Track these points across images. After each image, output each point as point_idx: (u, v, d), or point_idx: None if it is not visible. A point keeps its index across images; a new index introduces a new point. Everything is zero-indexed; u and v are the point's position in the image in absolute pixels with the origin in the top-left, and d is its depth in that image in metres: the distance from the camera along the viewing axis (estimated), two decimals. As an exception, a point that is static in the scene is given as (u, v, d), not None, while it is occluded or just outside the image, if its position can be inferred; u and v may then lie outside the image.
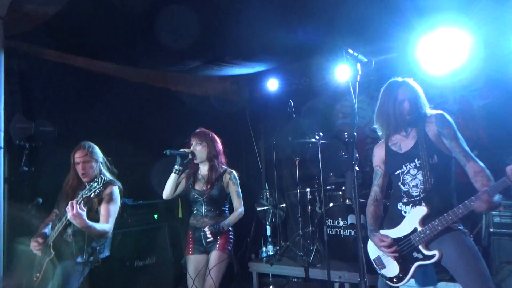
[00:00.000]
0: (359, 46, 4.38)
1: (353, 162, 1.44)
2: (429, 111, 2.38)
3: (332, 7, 3.45)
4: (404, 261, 2.30)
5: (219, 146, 3.21)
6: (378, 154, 2.53)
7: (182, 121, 4.71)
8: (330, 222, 4.28)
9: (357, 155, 1.53)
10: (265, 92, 5.85)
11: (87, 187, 2.60)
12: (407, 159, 2.33)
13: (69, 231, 2.83)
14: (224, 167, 3.20)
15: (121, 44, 3.91)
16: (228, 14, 3.49)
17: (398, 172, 2.37)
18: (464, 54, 3.76)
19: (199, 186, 3.13)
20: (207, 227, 2.95)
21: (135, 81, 4.84)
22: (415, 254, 2.26)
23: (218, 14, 3.47)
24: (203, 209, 3.08)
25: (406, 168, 2.33)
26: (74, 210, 2.51)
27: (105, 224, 2.81)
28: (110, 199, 2.85)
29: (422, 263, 2.24)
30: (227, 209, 3.18)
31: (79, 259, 2.79)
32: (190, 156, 3.00)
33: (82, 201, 2.58)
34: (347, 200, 4.43)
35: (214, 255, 3.01)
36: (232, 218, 3.08)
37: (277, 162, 5.29)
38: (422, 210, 2.23)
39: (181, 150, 2.99)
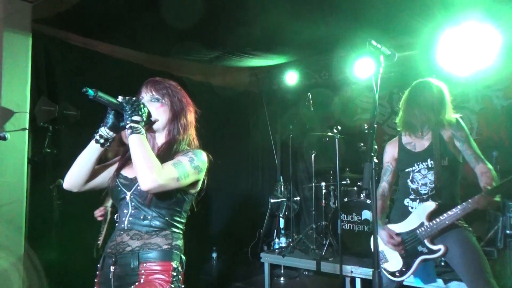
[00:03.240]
0: (381, 40, 4.37)
1: (372, 154, 1.45)
2: (451, 116, 2.40)
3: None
4: (408, 255, 2.35)
5: (191, 110, 1.72)
6: (391, 151, 2.60)
7: (201, 111, 4.76)
8: (344, 217, 4.27)
9: (376, 147, 1.54)
10: (283, 85, 5.84)
11: None
12: (420, 158, 2.40)
13: None
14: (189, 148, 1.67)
15: (144, 32, 3.96)
16: (251, 5, 3.49)
17: (408, 169, 2.44)
18: (489, 52, 3.67)
19: (130, 171, 1.64)
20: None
21: (156, 69, 4.90)
22: (420, 248, 2.31)
23: (241, 4, 3.48)
24: (126, 218, 1.57)
25: (418, 167, 2.41)
26: None
27: None
28: None
29: (426, 257, 2.29)
30: (180, 225, 1.62)
31: None
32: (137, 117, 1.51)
33: None
34: (361, 195, 4.41)
35: None
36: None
37: (293, 155, 5.30)
38: (430, 205, 2.30)
39: (120, 98, 1.53)
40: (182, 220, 1.63)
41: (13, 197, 3.25)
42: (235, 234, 5.60)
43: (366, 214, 4.17)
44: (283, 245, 4.83)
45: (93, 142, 1.57)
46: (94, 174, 1.64)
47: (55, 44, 3.86)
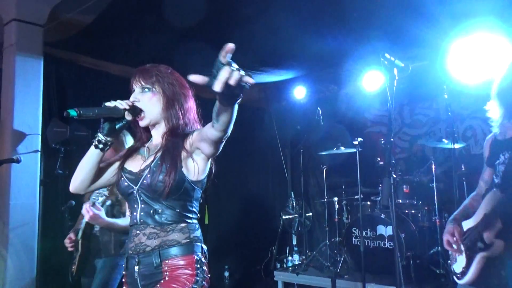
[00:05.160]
0: (389, 53, 4.36)
1: (390, 168, 1.39)
2: None
3: (363, 12, 3.42)
4: (470, 252, 2.02)
5: (188, 95, 1.64)
6: (487, 145, 2.26)
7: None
8: (358, 232, 4.19)
9: (393, 161, 1.46)
10: (291, 100, 5.84)
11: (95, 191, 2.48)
12: (506, 147, 2.05)
13: (96, 226, 2.71)
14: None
15: (153, 51, 4.01)
16: (259, 21, 3.51)
17: (496, 162, 2.08)
18: (500, 62, 3.61)
19: (134, 164, 1.60)
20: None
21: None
22: (479, 244, 1.97)
23: (248, 21, 3.50)
24: (138, 213, 1.53)
25: (504, 157, 2.05)
26: (90, 213, 2.37)
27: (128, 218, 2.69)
28: None
29: (484, 254, 1.93)
30: (193, 215, 1.56)
31: (109, 253, 2.67)
32: (127, 117, 1.50)
33: (98, 202, 2.48)
34: (375, 209, 4.33)
35: None
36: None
37: (304, 171, 5.25)
38: (495, 195, 1.96)
39: (109, 103, 1.50)
40: (195, 209, 1.57)
41: (26, 219, 3.26)
42: (247, 252, 5.52)
43: (381, 229, 4.08)
44: (296, 262, 4.74)
45: (92, 147, 1.52)
46: (98, 174, 1.60)
47: (66, 66, 3.93)
